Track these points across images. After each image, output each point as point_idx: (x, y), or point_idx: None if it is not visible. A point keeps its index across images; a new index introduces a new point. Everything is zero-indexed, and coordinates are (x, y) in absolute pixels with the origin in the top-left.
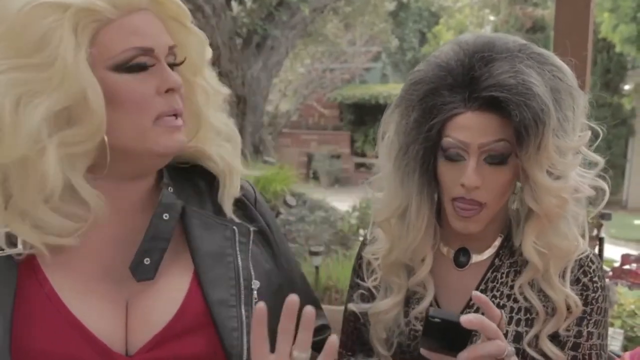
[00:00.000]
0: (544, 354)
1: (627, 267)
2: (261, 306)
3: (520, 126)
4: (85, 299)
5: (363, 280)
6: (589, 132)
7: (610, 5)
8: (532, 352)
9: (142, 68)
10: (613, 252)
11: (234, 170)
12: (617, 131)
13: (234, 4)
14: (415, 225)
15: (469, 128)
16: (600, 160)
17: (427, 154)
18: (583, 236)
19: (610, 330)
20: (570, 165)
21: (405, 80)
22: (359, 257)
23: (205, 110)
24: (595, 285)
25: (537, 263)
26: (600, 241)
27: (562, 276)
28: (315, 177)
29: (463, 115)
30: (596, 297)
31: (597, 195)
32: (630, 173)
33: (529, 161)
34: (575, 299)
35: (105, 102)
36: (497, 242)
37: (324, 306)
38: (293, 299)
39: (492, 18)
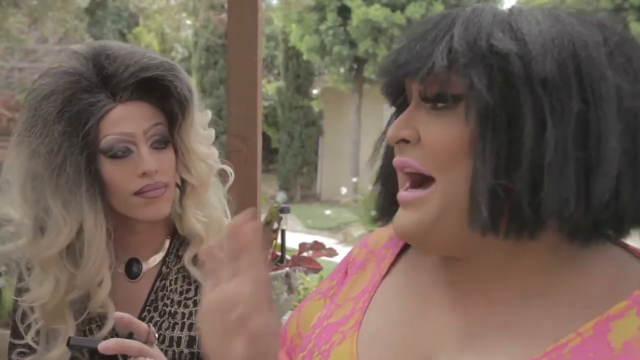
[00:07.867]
0: None
1: (304, 254)
2: None
3: (182, 97)
4: None
5: (21, 337)
6: (209, 111)
7: (297, 17)
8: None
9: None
10: (309, 241)
11: None
12: (309, 131)
13: None
14: (94, 240)
15: (128, 119)
16: (213, 134)
17: (88, 162)
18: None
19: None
20: (210, 137)
21: (27, 97)
22: (15, 309)
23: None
24: None
25: (201, 232)
26: (282, 233)
27: None
28: None
29: (116, 109)
30: None
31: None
32: (322, 169)
33: (186, 134)
34: None
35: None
36: (166, 244)
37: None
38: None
39: (188, 22)
